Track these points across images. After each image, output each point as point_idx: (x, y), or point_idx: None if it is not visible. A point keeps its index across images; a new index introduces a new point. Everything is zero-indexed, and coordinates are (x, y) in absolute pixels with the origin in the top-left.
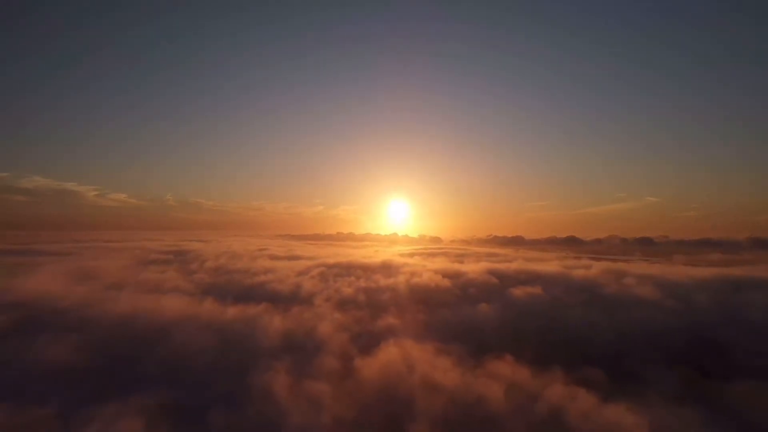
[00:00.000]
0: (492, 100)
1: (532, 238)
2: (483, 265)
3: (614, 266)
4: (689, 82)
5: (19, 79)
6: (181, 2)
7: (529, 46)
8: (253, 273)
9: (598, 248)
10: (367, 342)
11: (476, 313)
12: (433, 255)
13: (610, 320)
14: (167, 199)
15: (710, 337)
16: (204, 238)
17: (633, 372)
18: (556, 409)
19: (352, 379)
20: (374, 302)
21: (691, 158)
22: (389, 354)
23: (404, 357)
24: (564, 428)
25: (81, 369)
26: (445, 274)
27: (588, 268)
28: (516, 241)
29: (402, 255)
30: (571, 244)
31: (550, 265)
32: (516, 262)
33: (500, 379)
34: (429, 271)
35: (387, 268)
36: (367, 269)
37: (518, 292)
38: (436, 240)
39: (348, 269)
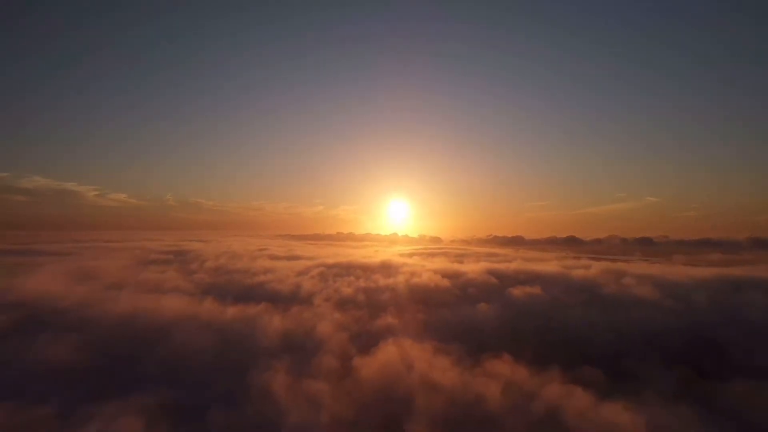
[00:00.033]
0: (492, 100)
1: (532, 238)
2: (482, 265)
3: (613, 266)
4: (689, 82)
5: (19, 79)
6: (181, 2)
7: (529, 46)
8: (252, 273)
9: (598, 248)
10: (366, 341)
11: (475, 313)
12: (432, 255)
13: (608, 320)
14: (167, 199)
15: (708, 336)
16: (204, 238)
17: (631, 371)
18: (553, 408)
19: (351, 379)
20: (373, 302)
21: (691, 158)
22: (388, 353)
23: (403, 356)
24: (561, 427)
25: (81, 368)
26: (445, 274)
27: (587, 268)
28: (516, 241)
29: (402, 255)
30: (571, 244)
31: (550, 265)
32: (515, 262)
33: (498, 378)
34: (428, 271)
35: (386, 268)
36: (366, 269)
37: (517, 292)
38: (436, 240)
39: (347, 269)
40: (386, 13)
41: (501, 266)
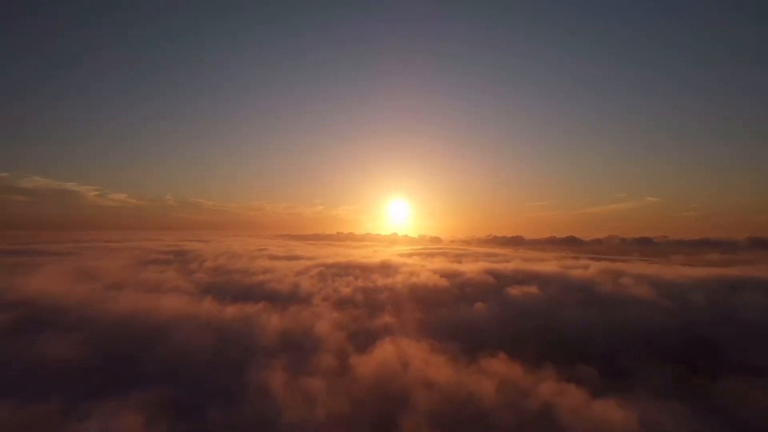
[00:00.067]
0: (492, 100)
1: (531, 238)
2: (481, 265)
3: (611, 266)
4: (689, 82)
5: (19, 79)
6: (181, 2)
7: (529, 46)
8: (252, 273)
9: (597, 248)
10: (364, 340)
11: (472, 312)
12: (432, 255)
13: (604, 319)
14: (167, 199)
15: (702, 335)
16: (204, 238)
17: (624, 369)
18: (546, 405)
19: (348, 376)
20: (372, 301)
21: (691, 158)
22: (384, 352)
23: (399, 354)
24: (553, 423)
25: (81, 367)
26: (443, 274)
27: (585, 268)
28: (516, 242)
29: (401, 255)
30: (570, 244)
31: (548, 265)
32: (514, 262)
33: (493, 376)
34: (427, 270)
35: (385, 268)
36: (365, 269)
37: (514, 291)
38: (436, 240)
39: (347, 269)
40: (386, 13)
41: (499, 266)
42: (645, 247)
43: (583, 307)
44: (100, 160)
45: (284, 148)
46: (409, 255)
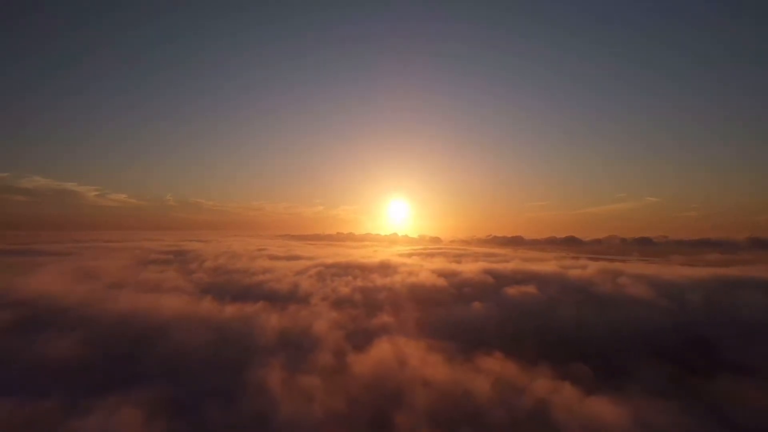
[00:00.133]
0: (492, 100)
1: (531, 239)
2: (480, 265)
3: (610, 266)
4: (689, 82)
5: (19, 79)
6: (181, 2)
7: (529, 46)
8: (251, 273)
9: (597, 248)
10: (362, 339)
11: (470, 312)
12: (431, 255)
13: (601, 319)
14: (167, 199)
15: (699, 334)
16: (204, 238)
17: (620, 368)
18: (540, 403)
19: (345, 375)
20: (370, 301)
21: (691, 158)
22: (382, 351)
23: (396, 353)
24: (547, 420)
25: (82, 365)
26: (442, 274)
27: (584, 268)
28: (515, 242)
29: (401, 255)
30: (570, 244)
31: (547, 265)
32: (513, 262)
33: (488, 374)
34: (426, 270)
35: (385, 268)
36: (364, 269)
37: (512, 291)
38: (436, 240)
39: (346, 269)
40: (386, 13)
41: (498, 266)
42: (645, 247)
43: (581, 306)
44: (100, 160)
45: (284, 148)
46: (409, 255)
